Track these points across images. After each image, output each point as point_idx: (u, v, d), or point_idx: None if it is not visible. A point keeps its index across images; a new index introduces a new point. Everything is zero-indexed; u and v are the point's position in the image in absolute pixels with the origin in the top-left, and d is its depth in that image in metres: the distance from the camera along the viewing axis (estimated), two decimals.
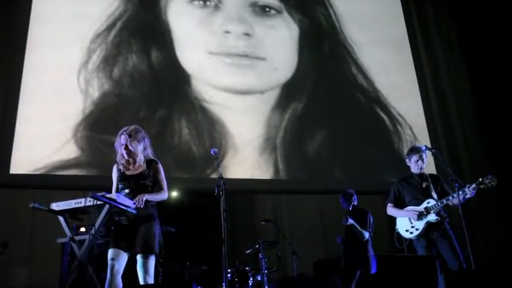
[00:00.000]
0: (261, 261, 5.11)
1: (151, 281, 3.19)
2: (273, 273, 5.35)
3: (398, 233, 4.11)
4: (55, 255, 4.78)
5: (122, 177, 3.35)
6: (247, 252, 5.31)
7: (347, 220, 5.03)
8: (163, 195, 3.35)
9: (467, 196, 3.83)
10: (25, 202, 3.25)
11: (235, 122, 5.93)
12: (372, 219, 5.12)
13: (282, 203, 6.69)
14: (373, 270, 4.84)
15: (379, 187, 5.84)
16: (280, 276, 5.68)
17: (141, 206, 3.15)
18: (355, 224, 5.01)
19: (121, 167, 3.38)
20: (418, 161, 4.14)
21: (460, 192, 3.79)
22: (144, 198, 3.18)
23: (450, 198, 3.89)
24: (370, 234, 5.04)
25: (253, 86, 6.20)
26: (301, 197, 6.46)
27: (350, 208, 5.19)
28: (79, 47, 5.76)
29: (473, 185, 3.83)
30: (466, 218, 3.72)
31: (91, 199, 2.98)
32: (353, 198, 5.25)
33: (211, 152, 3.82)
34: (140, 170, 3.35)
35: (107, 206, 3.02)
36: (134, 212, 3.12)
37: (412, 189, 4.13)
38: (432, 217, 3.93)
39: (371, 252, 5.01)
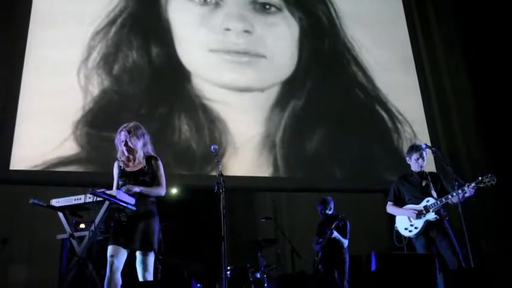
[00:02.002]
0: (260, 258, 5.12)
1: (150, 277, 3.19)
2: (272, 271, 5.35)
3: (397, 231, 4.10)
4: (55, 252, 4.78)
5: (122, 173, 3.35)
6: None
7: (332, 233, 5.15)
8: (159, 191, 3.34)
9: (467, 195, 3.82)
10: (25, 198, 3.25)
11: (235, 120, 5.93)
12: (349, 226, 5.30)
13: (282, 200, 6.69)
14: (347, 269, 5.10)
15: (379, 185, 5.85)
16: (279, 274, 5.68)
17: (130, 194, 3.14)
18: (340, 237, 5.18)
19: (121, 164, 3.38)
20: (418, 159, 4.13)
21: (460, 191, 3.79)
22: (136, 189, 3.19)
23: (449, 197, 3.89)
24: (348, 241, 5.23)
25: (253, 84, 6.19)
26: (301, 194, 6.46)
27: (328, 215, 5.38)
28: (79, 44, 5.76)
29: (473, 184, 3.81)
30: (466, 217, 3.72)
31: (91, 195, 2.98)
32: (331, 205, 5.43)
33: (211, 149, 3.80)
34: (140, 166, 3.35)
35: (107, 202, 3.02)
36: (134, 208, 3.12)
37: (411, 188, 4.12)
38: (431, 216, 3.92)
39: (347, 256, 5.21)
